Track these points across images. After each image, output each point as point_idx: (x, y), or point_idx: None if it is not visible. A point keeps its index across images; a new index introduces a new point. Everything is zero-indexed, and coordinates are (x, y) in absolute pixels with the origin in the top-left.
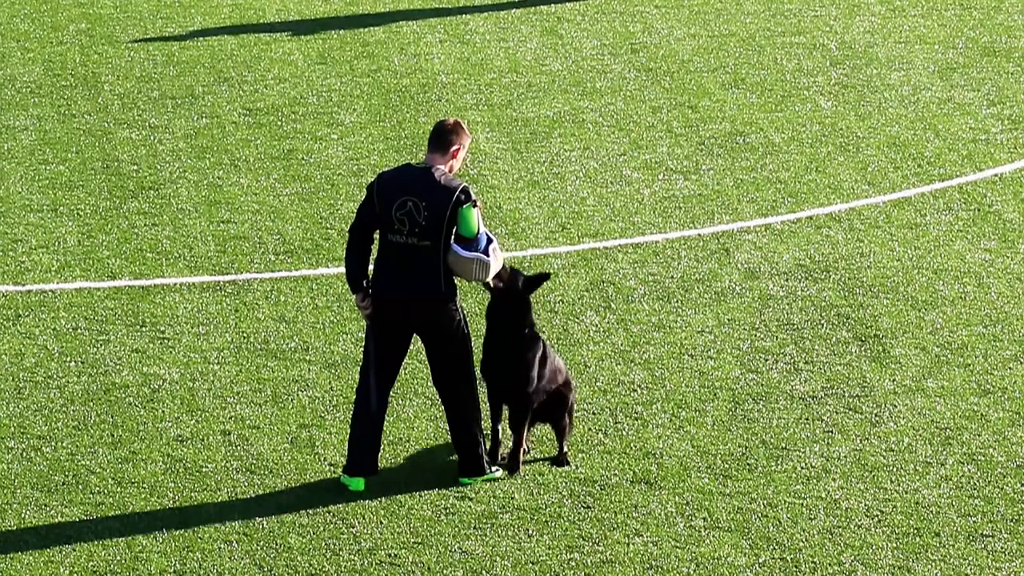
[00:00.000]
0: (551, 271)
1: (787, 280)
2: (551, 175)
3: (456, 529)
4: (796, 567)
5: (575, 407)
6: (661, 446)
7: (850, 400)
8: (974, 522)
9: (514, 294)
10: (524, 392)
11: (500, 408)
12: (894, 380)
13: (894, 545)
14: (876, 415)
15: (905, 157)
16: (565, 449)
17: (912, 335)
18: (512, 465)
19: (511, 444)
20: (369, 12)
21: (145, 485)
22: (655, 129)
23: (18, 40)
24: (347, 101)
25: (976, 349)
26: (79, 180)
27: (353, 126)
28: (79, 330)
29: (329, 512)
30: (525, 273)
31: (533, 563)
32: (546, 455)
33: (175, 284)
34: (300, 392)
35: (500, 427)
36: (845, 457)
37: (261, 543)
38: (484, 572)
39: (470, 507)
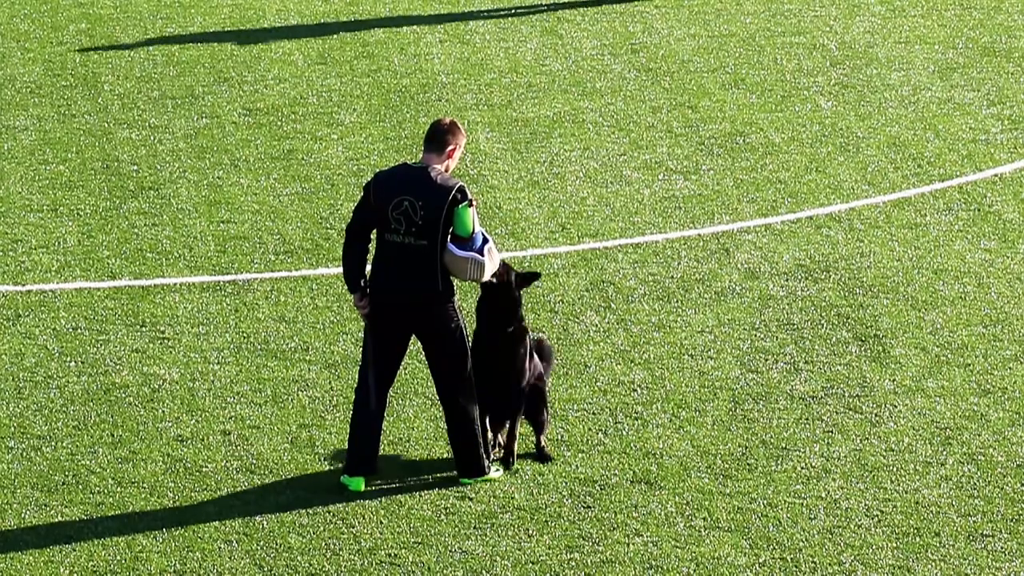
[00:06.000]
0: (551, 271)
1: (787, 280)
2: (551, 175)
3: (456, 529)
4: (796, 567)
5: (548, 401)
6: (661, 446)
7: (850, 400)
8: (974, 522)
9: (505, 290)
10: (517, 387)
11: (486, 406)
12: (894, 380)
13: (894, 545)
14: (876, 415)
15: (905, 157)
16: (543, 443)
17: (912, 335)
18: (507, 461)
19: (504, 441)
20: (369, 12)
21: (145, 485)
22: (655, 129)
23: (18, 40)
24: (347, 101)
25: (976, 349)
26: (79, 180)
27: (353, 126)
28: (79, 330)
29: (329, 512)
30: (519, 271)
31: (533, 563)
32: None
33: (175, 284)
34: (300, 392)
35: (486, 425)
36: (845, 457)
37: (261, 543)
38: (484, 572)
39: (470, 507)
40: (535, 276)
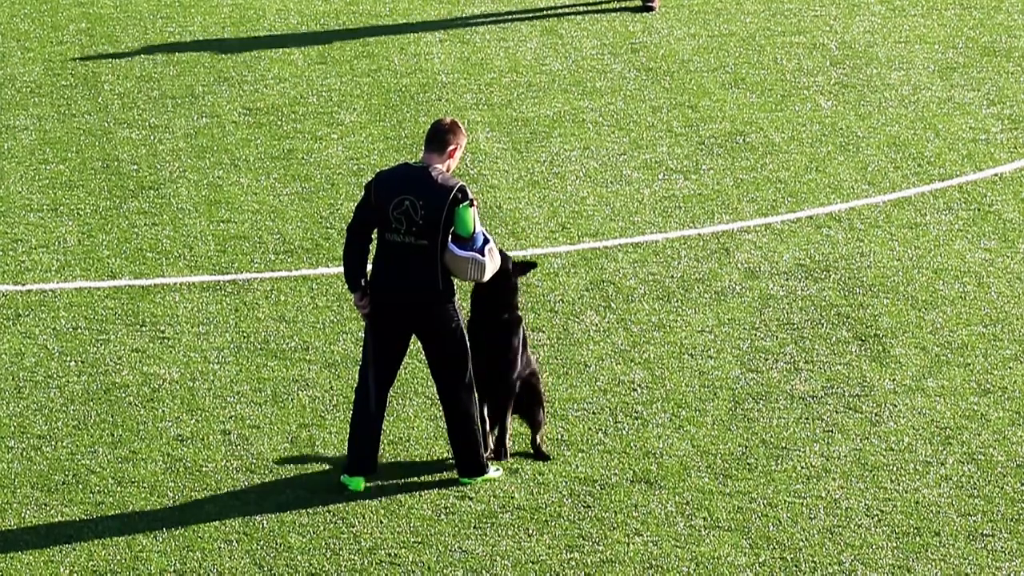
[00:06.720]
0: (551, 271)
1: (787, 280)
2: (551, 175)
3: (456, 529)
4: (796, 567)
5: (545, 400)
6: (661, 446)
7: (850, 400)
8: (974, 522)
9: (502, 277)
10: (507, 377)
11: (482, 397)
12: (894, 380)
13: (894, 545)
14: (876, 415)
15: (905, 157)
16: (538, 441)
17: (912, 335)
18: (498, 453)
19: (496, 433)
20: (369, 12)
21: (145, 485)
22: (655, 129)
23: (18, 40)
24: (347, 101)
25: (976, 349)
26: (79, 180)
27: (353, 126)
28: (79, 330)
29: (329, 512)
30: (515, 260)
31: (533, 563)
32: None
33: (175, 284)
34: (300, 392)
35: (485, 417)
36: (845, 457)
37: (261, 543)
38: (484, 572)
39: (470, 507)
40: (531, 266)
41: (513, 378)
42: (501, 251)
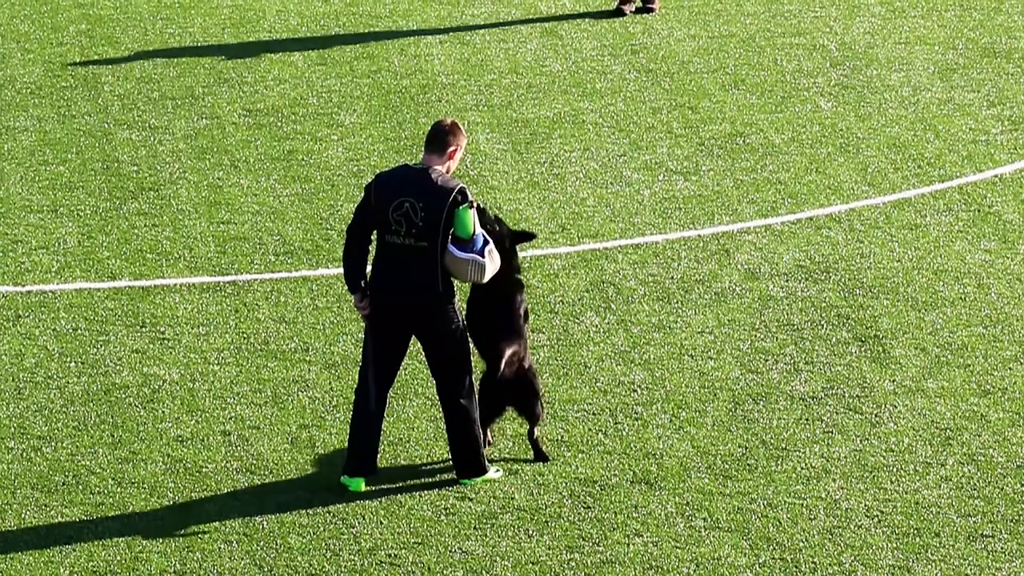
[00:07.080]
0: (551, 271)
1: (787, 281)
2: (551, 175)
3: (456, 529)
4: (796, 567)
5: (542, 396)
6: (661, 446)
7: (850, 400)
8: (974, 522)
9: (500, 245)
10: (508, 334)
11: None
12: (894, 380)
13: (894, 545)
14: (876, 415)
15: (905, 158)
16: (537, 436)
17: (912, 335)
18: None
19: (485, 368)
20: (369, 12)
21: (145, 485)
22: (655, 130)
23: (18, 41)
24: (347, 102)
25: (976, 349)
26: (79, 181)
27: (353, 127)
28: (79, 330)
29: (329, 512)
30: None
31: (533, 563)
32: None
33: (175, 284)
34: (300, 392)
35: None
36: (845, 457)
37: (261, 543)
38: (484, 572)
39: (470, 507)
40: (530, 236)
41: (515, 329)
42: (497, 218)
